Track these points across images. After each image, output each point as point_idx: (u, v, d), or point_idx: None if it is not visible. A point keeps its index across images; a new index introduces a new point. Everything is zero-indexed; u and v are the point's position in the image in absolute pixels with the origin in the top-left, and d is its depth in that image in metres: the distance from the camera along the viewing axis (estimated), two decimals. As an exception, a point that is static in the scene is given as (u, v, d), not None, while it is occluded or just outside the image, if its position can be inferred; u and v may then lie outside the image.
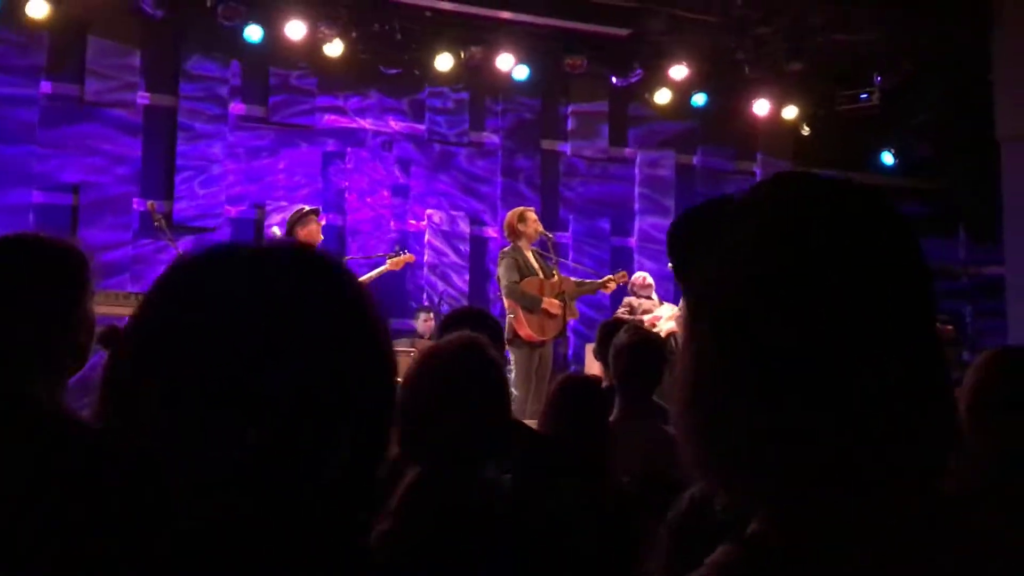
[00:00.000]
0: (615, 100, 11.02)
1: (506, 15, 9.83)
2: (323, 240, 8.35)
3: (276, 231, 8.38)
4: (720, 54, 10.35)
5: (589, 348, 8.66)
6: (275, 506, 0.93)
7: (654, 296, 9.08)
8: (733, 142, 11.50)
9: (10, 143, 8.93)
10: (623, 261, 10.83)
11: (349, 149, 10.18)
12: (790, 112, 10.92)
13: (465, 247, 10.39)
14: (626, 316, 8.21)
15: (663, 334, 8.27)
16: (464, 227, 10.44)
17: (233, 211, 9.68)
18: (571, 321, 8.23)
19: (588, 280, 8.41)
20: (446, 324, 3.80)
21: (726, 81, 10.67)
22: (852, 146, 11.48)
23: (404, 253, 8.45)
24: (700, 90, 10.68)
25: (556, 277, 7.89)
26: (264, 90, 9.95)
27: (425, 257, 10.14)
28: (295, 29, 9.27)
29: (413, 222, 10.30)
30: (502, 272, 7.71)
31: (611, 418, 3.90)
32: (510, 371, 7.27)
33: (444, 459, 2.23)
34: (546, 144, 10.96)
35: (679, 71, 10.30)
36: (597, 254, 10.82)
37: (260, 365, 0.92)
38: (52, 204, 9.09)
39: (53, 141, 9.14)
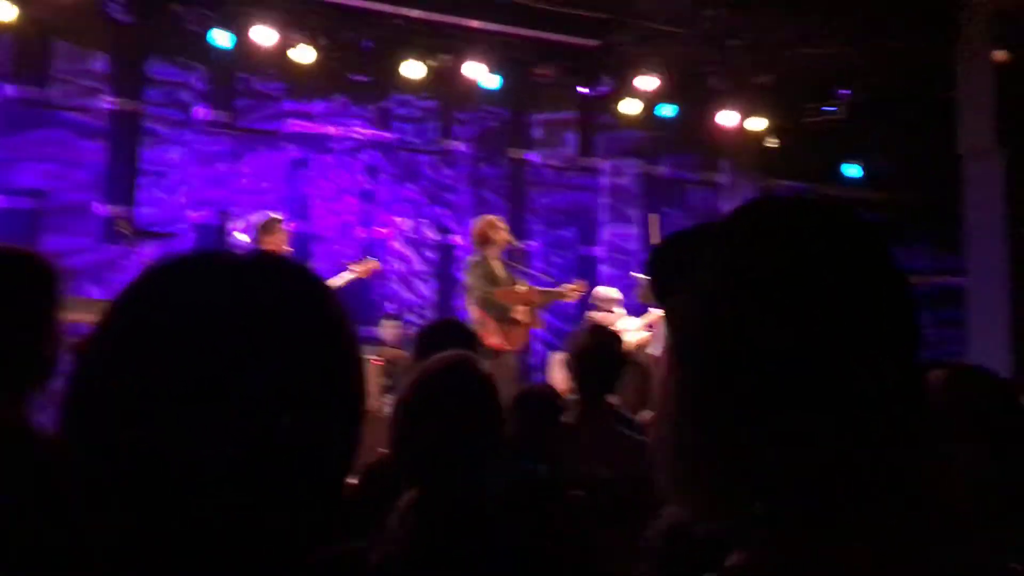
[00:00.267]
0: (583, 110, 11.05)
1: (475, 24, 9.83)
2: (289, 247, 8.31)
3: (241, 237, 8.30)
4: (688, 66, 10.40)
5: (554, 357, 8.67)
6: (249, 510, 0.92)
7: (616, 310, 9.08)
8: (700, 153, 11.57)
9: (-29, 146, 8.82)
10: (589, 270, 10.87)
11: (315, 156, 10.13)
12: (757, 124, 10.98)
13: (432, 255, 10.37)
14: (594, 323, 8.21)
15: (628, 346, 8.30)
16: (431, 235, 10.42)
17: (197, 216, 9.60)
18: (537, 330, 8.26)
19: (550, 289, 8.43)
20: (424, 337, 3.80)
21: (694, 93, 10.72)
22: (818, 158, 11.58)
23: (370, 260, 8.42)
24: (668, 101, 10.72)
25: (524, 287, 7.91)
26: (230, 96, 9.89)
27: (392, 265, 10.10)
28: (263, 35, 9.21)
29: (380, 229, 10.27)
30: (473, 281, 7.71)
31: (569, 420, 3.93)
32: None
33: (442, 480, 2.21)
34: (513, 153, 10.96)
35: (647, 82, 10.34)
36: (563, 263, 10.85)
37: (239, 365, 0.91)
38: (13, 208, 8.97)
39: (15, 145, 9.02)
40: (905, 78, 10.57)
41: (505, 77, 10.22)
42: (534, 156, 11.03)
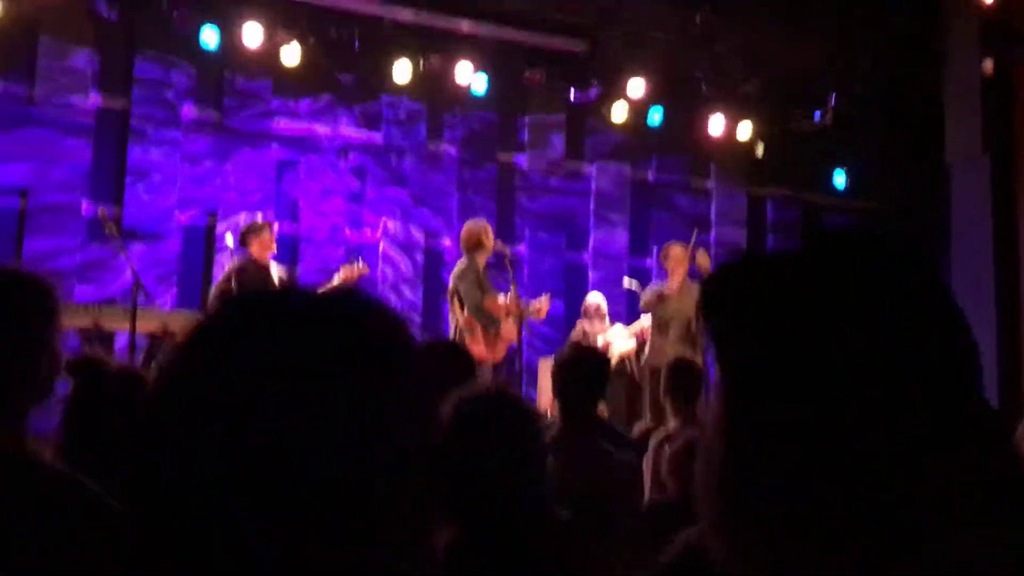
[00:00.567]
0: (572, 114, 11.04)
1: (465, 27, 9.82)
2: (276, 250, 8.27)
3: (229, 239, 8.26)
4: (677, 71, 10.41)
5: (543, 364, 8.65)
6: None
7: (607, 320, 9.08)
8: (688, 158, 11.58)
9: (-45, 144, 8.74)
10: (577, 275, 10.87)
11: (302, 156, 10.08)
12: (745, 129, 11.00)
13: (419, 258, 10.34)
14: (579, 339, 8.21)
15: (616, 356, 8.30)
16: (419, 238, 10.38)
17: (184, 217, 9.55)
18: (525, 335, 8.21)
19: (527, 304, 8.26)
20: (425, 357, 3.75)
21: (682, 98, 10.73)
22: (805, 165, 11.62)
23: (358, 263, 8.38)
24: (656, 106, 10.73)
25: (512, 294, 7.88)
26: (218, 95, 9.83)
27: (379, 269, 10.06)
28: (252, 35, 9.16)
29: (368, 232, 10.23)
30: (466, 288, 7.66)
31: (551, 435, 3.90)
32: None
33: (483, 520, 2.13)
34: (502, 156, 10.94)
35: (636, 87, 10.34)
36: (551, 267, 10.83)
37: (333, 419, 0.88)
38: (-2, 208, 8.91)
39: None
40: (892, 86, 10.62)
41: (494, 80, 10.20)
42: (522, 160, 11.02)
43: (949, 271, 9.78)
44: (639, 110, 10.66)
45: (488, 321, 7.58)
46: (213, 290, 7.95)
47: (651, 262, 11.05)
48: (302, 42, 9.40)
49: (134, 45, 9.48)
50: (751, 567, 0.92)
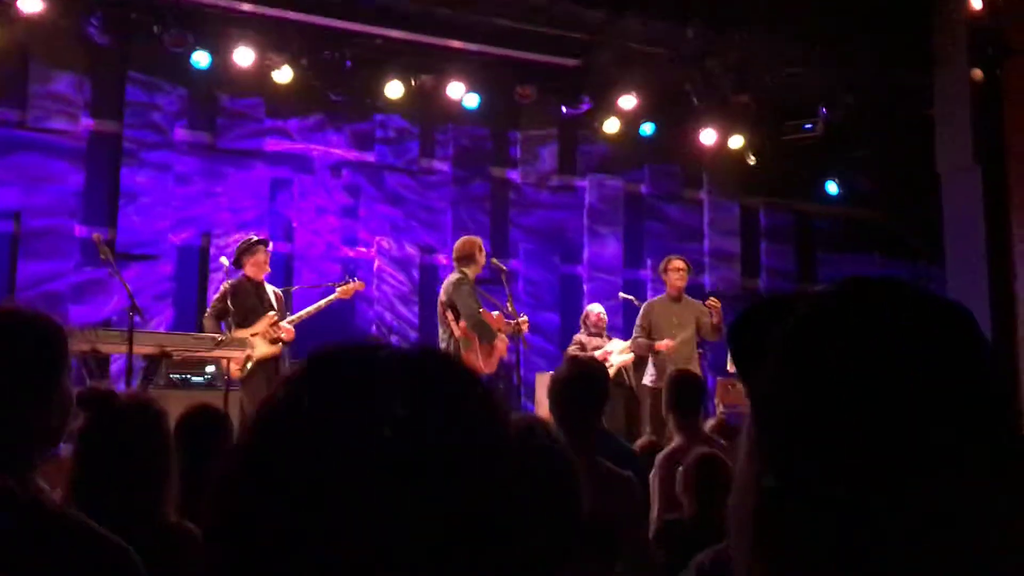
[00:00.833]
0: (564, 129, 11.07)
1: (457, 44, 9.82)
2: (271, 269, 8.23)
3: (224, 261, 8.22)
4: (668, 85, 10.43)
5: (541, 379, 8.65)
6: None
7: (604, 332, 9.07)
8: (680, 171, 11.61)
9: (-51, 169, 8.71)
10: (572, 288, 10.88)
11: (296, 175, 10.08)
12: (736, 142, 11.02)
13: (415, 275, 10.33)
14: (578, 353, 8.18)
15: (613, 368, 8.28)
16: (414, 254, 10.38)
17: (178, 239, 9.53)
18: (523, 349, 8.20)
19: (514, 319, 8.22)
20: None
21: (674, 111, 10.75)
22: (798, 176, 11.65)
23: (353, 281, 8.36)
24: (648, 120, 10.75)
25: (510, 310, 7.89)
26: (210, 117, 9.83)
27: (375, 286, 10.04)
28: (243, 56, 9.17)
29: (362, 249, 10.22)
30: (463, 300, 7.61)
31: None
32: None
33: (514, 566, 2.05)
34: (495, 172, 10.96)
35: (628, 101, 10.36)
36: (546, 281, 10.84)
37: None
38: (-8, 232, 8.88)
39: (-7, 167, 8.93)
40: (883, 97, 10.65)
41: (486, 97, 10.21)
42: (515, 175, 11.03)
43: (942, 280, 9.80)
44: (631, 124, 10.68)
45: (487, 335, 7.57)
46: (208, 310, 7.92)
47: (645, 273, 11.07)
48: (294, 62, 9.40)
49: (125, 69, 9.47)
50: None
